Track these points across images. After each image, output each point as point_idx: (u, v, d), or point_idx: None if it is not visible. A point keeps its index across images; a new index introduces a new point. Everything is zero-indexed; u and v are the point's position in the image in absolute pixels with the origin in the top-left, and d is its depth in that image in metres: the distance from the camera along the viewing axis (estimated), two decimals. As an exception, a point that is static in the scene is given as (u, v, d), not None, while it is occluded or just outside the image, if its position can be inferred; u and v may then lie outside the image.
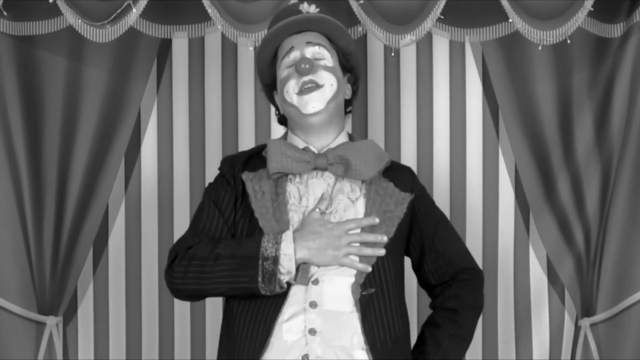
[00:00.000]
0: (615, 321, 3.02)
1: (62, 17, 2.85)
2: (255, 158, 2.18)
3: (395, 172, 2.19)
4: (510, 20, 2.81)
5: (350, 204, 2.09)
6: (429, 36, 3.14)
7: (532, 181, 3.08)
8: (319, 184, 2.10)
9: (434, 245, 2.20)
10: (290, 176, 2.11)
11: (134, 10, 2.80)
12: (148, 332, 3.26)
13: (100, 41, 2.82)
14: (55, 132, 3.08)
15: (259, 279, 1.99)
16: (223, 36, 3.05)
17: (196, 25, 2.94)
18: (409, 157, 3.20)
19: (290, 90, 2.10)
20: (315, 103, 2.08)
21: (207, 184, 2.24)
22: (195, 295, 2.12)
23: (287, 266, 2.00)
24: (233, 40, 2.84)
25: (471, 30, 2.93)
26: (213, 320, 3.17)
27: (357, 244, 2.04)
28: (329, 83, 2.10)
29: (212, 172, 2.30)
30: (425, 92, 3.22)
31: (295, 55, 2.14)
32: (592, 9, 2.79)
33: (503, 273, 3.21)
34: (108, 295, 3.26)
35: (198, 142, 3.24)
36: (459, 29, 2.93)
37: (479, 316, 2.24)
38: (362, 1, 2.80)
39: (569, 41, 2.82)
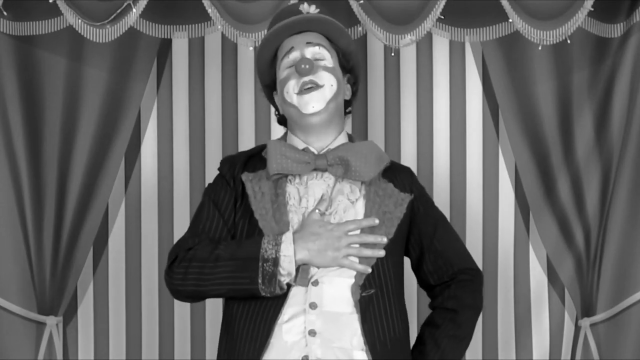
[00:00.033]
0: (615, 321, 3.02)
1: (62, 17, 2.85)
2: (255, 158, 2.18)
3: (395, 173, 2.20)
4: (510, 20, 2.81)
5: (350, 205, 2.09)
6: (429, 36, 3.13)
7: (532, 181, 3.08)
8: (318, 185, 2.10)
9: (433, 246, 2.21)
10: (290, 177, 2.11)
11: (134, 10, 2.80)
12: (148, 332, 3.26)
13: (100, 41, 2.82)
14: (55, 132, 3.08)
15: (259, 281, 1.99)
16: (223, 36, 3.05)
17: (196, 25, 2.94)
18: (409, 157, 3.20)
19: (291, 90, 2.10)
20: (315, 103, 2.08)
21: (207, 184, 2.24)
22: (195, 297, 2.13)
23: (287, 267, 2.00)
24: (233, 40, 2.84)
25: (471, 30, 2.93)
26: (213, 320, 3.17)
27: (357, 245, 2.04)
28: (329, 83, 2.10)
29: (212, 172, 2.30)
30: (425, 92, 3.22)
31: (295, 55, 2.14)
32: (592, 9, 2.79)
33: (503, 273, 3.21)
34: (108, 295, 3.26)
35: (198, 142, 3.24)
36: (459, 29, 2.93)
37: (478, 316, 2.24)
38: (362, 1, 2.80)
39: (569, 41, 2.82)
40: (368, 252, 2.04)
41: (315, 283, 2.03)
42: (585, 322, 3.05)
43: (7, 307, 3.06)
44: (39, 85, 3.08)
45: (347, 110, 2.25)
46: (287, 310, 2.03)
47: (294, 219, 2.07)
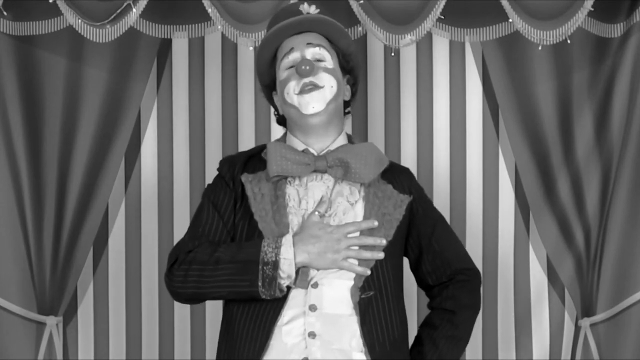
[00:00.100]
0: (615, 321, 3.02)
1: (62, 17, 2.85)
2: (255, 159, 2.19)
3: (394, 174, 2.20)
4: (510, 20, 2.81)
5: (350, 206, 2.09)
6: (429, 36, 3.13)
7: (532, 181, 3.07)
8: (318, 187, 2.11)
9: (431, 246, 2.21)
10: (289, 178, 2.12)
11: (134, 10, 2.79)
12: (148, 332, 3.26)
13: (100, 41, 2.82)
14: (55, 132, 3.08)
15: (259, 284, 2.00)
16: (223, 36, 3.05)
17: (196, 25, 2.94)
18: (409, 157, 3.20)
19: (291, 91, 2.10)
20: (315, 103, 2.08)
21: (206, 184, 2.24)
22: (195, 299, 2.13)
23: (287, 270, 2.00)
24: (233, 40, 2.83)
25: (471, 30, 2.93)
26: (213, 320, 3.17)
27: (356, 248, 2.05)
28: (329, 85, 2.10)
29: (212, 172, 2.30)
30: (425, 92, 3.22)
31: (295, 56, 2.14)
32: (592, 9, 2.78)
33: (503, 273, 3.21)
34: (108, 295, 3.26)
35: (198, 142, 3.24)
36: (459, 29, 2.93)
37: (476, 317, 2.25)
38: (362, 1, 2.80)
39: (569, 41, 2.82)
40: (367, 255, 2.05)
41: (315, 285, 2.04)
42: (585, 322, 3.05)
43: (7, 307, 3.06)
44: (39, 85, 3.08)
45: (346, 111, 2.25)
46: (287, 313, 2.03)
47: (294, 220, 2.07)
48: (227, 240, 2.12)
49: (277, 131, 2.97)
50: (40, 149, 3.08)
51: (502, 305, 3.21)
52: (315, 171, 2.11)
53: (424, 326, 2.23)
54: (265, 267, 2.00)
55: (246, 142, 3.19)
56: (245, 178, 2.13)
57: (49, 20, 2.90)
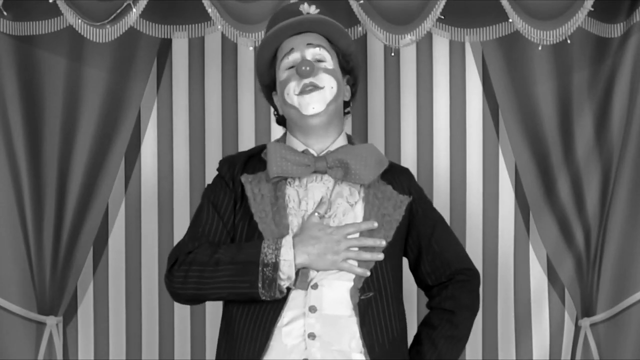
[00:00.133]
0: (615, 321, 3.02)
1: (62, 17, 2.85)
2: (255, 159, 2.18)
3: (394, 174, 2.20)
4: (510, 20, 2.81)
5: (349, 207, 2.09)
6: (429, 36, 3.13)
7: (532, 181, 3.07)
8: (318, 188, 2.11)
9: (431, 247, 2.21)
10: (289, 179, 2.12)
11: (134, 10, 2.79)
12: (148, 332, 3.26)
13: (100, 41, 2.82)
14: (55, 132, 3.08)
15: (259, 285, 2.00)
16: (223, 36, 3.05)
17: (196, 25, 2.94)
18: (409, 157, 3.20)
19: (291, 92, 2.10)
20: (315, 104, 2.08)
21: (206, 184, 2.24)
22: (195, 300, 2.13)
23: (287, 272, 2.00)
24: (233, 40, 2.83)
25: (471, 30, 2.93)
26: (213, 320, 3.17)
27: (356, 249, 2.05)
28: (329, 86, 2.10)
29: (212, 172, 2.30)
30: (425, 92, 3.22)
31: (295, 56, 2.14)
32: (592, 9, 2.78)
33: (503, 273, 3.21)
34: (108, 295, 3.26)
35: (198, 142, 3.24)
36: (459, 29, 2.93)
37: (475, 317, 2.25)
38: (362, 1, 2.80)
39: (569, 41, 2.82)
40: (367, 256, 2.05)
41: (315, 286, 2.04)
42: (585, 322, 3.05)
43: (7, 307, 3.06)
44: (39, 85, 3.07)
45: (346, 111, 2.25)
46: (287, 314, 2.03)
47: (294, 221, 2.07)
48: (227, 240, 2.12)
49: (277, 131, 2.97)
50: (40, 149, 3.08)
51: (502, 305, 3.21)
52: (315, 172, 2.11)
53: (423, 326, 2.23)
54: (265, 269, 2.00)
55: (246, 142, 3.19)
56: (245, 179, 2.13)
57: (49, 20, 2.90)
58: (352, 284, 2.05)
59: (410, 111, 3.22)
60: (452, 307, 2.20)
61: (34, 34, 2.93)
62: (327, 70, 2.11)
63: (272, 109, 2.32)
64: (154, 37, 2.95)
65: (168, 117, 3.25)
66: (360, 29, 2.91)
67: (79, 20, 2.81)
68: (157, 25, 2.91)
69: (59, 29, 2.90)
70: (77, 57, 3.05)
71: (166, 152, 3.25)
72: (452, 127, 3.22)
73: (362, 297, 2.05)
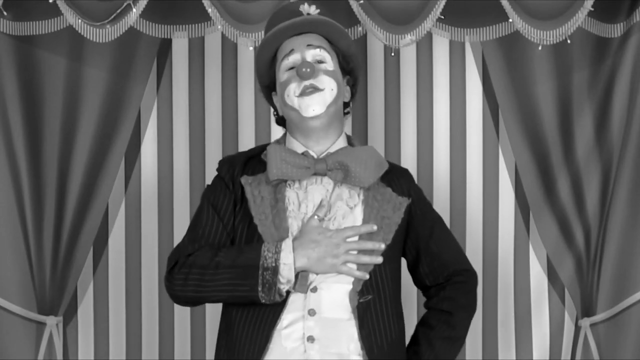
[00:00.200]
0: (615, 321, 3.02)
1: (62, 17, 2.85)
2: (254, 160, 2.18)
3: (393, 176, 2.20)
4: (510, 20, 2.81)
5: (349, 210, 2.10)
6: (429, 36, 3.13)
7: (532, 181, 3.07)
8: (317, 190, 2.10)
9: (429, 248, 2.22)
10: (289, 182, 2.11)
11: (134, 10, 2.79)
12: (148, 332, 3.26)
13: (100, 41, 2.82)
14: (55, 132, 3.08)
15: (259, 289, 2.00)
16: (223, 36, 3.05)
17: (196, 25, 2.94)
18: (408, 157, 3.20)
19: (291, 93, 2.10)
20: (315, 106, 2.08)
21: (206, 185, 2.24)
22: (195, 302, 2.14)
23: (286, 276, 2.01)
24: (233, 40, 2.83)
25: (471, 30, 2.93)
26: (213, 320, 3.16)
27: (355, 252, 2.05)
28: (330, 87, 2.10)
29: (212, 172, 2.30)
30: (425, 92, 3.22)
31: (295, 58, 2.13)
32: (592, 9, 2.78)
33: (503, 273, 3.21)
34: (108, 295, 3.26)
35: (198, 142, 3.24)
36: (459, 29, 2.93)
37: (472, 317, 2.27)
38: (362, 1, 2.79)
39: (569, 41, 2.82)
40: (366, 259, 2.05)
41: (314, 289, 2.04)
42: (585, 322, 3.05)
43: (7, 307, 3.06)
44: (39, 85, 3.07)
45: (345, 111, 2.25)
46: (286, 317, 2.04)
47: (294, 224, 2.07)
48: (227, 242, 2.12)
49: (277, 131, 2.97)
50: (40, 149, 3.08)
51: (502, 305, 3.21)
52: (315, 174, 2.11)
53: (420, 326, 2.24)
54: (265, 273, 2.00)
55: (246, 142, 3.19)
56: (245, 180, 2.13)
57: (49, 20, 2.90)
58: (351, 286, 2.06)
59: (410, 111, 3.22)
60: (449, 308, 2.21)
61: (34, 34, 2.93)
62: (327, 72, 2.11)
63: (272, 109, 2.32)
64: (154, 37, 2.95)
65: (168, 117, 3.25)
66: (360, 29, 2.91)
67: (79, 20, 2.81)
68: (157, 25, 2.91)
69: (59, 29, 2.90)
70: (77, 57, 3.05)
71: (166, 152, 3.25)
72: (452, 127, 3.22)
73: (361, 300, 2.05)
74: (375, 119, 3.22)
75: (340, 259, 2.03)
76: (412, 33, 2.82)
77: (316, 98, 2.08)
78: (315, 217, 2.05)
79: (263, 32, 2.35)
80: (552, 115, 3.04)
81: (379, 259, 2.06)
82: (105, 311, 3.26)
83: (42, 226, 3.09)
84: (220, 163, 2.22)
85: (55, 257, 3.09)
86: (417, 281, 2.29)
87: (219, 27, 2.82)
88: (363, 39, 3.15)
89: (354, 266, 2.05)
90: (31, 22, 2.91)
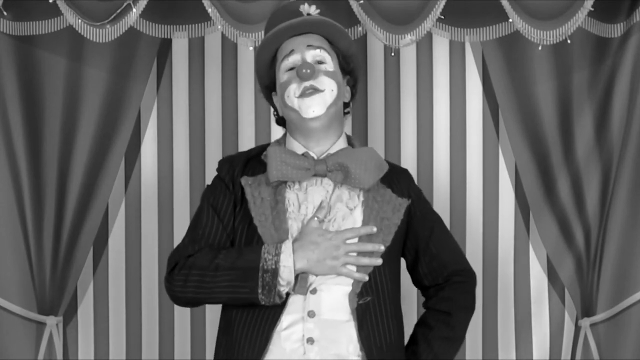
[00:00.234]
0: (615, 321, 3.02)
1: (62, 17, 2.85)
2: (254, 161, 2.18)
3: (393, 176, 2.20)
4: (510, 20, 2.81)
5: (349, 212, 2.10)
6: (429, 36, 3.13)
7: (532, 181, 3.07)
8: (317, 191, 2.10)
9: (428, 249, 2.22)
10: (289, 183, 2.11)
11: (134, 10, 2.79)
12: (148, 332, 3.26)
13: (100, 41, 2.82)
14: (55, 132, 3.08)
15: (259, 291, 2.00)
16: (223, 36, 3.05)
17: (196, 25, 2.94)
18: (408, 157, 3.20)
19: (291, 94, 2.10)
20: (316, 107, 2.08)
21: (206, 185, 2.24)
22: (194, 303, 2.15)
23: (286, 278, 2.01)
24: (233, 40, 2.83)
25: (471, 30, 2.93)
26: (213, 320, 3.16)
27: (355, 254, 2.05)
28: (330, 88, 2.10)
29: (212, 172, 2.30)
30: (425, 92, 3.22)
31: (295, 58, 2.13)
32: (592, 9, 2.78)
33: (503, 273, 3.21)
34: (108, 295, 3.26)
35: (198, 142, 3.24)
36: (459, 29, 2.93)
37: (471, 318, 2.27)
38: (362, 1, 2.79)
39: (569, 41, 2.82)
40: (366, 261, 2.05)
41: (314, 291, 2.04)
42: (585, 322, 3.05)
43: (7, 307, 3.06)
44: (39, 85, 3.07)
45: (345, 111, 2.25)
46: (286, 318, 2.04)
47: (294, 226, 2.07)
48: (227, 243, 2.12)
49: (277, 131, 2.97)
50: (40, 149, 3.08)
51: (502, 305, 3.21)
52: (315, 175, 2.11)
53: (419, 326, 2.24)
54: (265, 275, 2.00)
55: (246, 142, 3.19)
56: (245, 181, 2.13)
57: (49, 20, 2.90)
58: (350, 288, 2.06)
59: (410, 111, 3.22)
60: (448, 309, 2.21)
61: (34, 34, 2.93)
62: (327, 73, 2.11)
63: (272, 109, 2.31)
64: (154, 37, 2.95)
65: (168, 117, 3.25)
66: (360, 29, 2.91)
67: (79, 20, 2.81)
68: (157, 25, 2.91)
69: (59, 29, 2.90)
70: (77, 57, 3.05)
71: (166, 152, 3.25)
72: (452, 127, 3.22)
73: (360, 302, 2.05)
74: (375, 119, 3.22)
75: (339, 260, 2.03)
76: (412, 33, 2.82)
77: (316, 99, 2.08)
78: (315, 218, 2.05)
79: (263, 32, 2.35)
80: (552, 115, 3.04)
81: (379, 261, 2.06)
82: (105, 311, 3.26)
83: (42, 226, 3.09)
84: (220, 163, 2.22)
85: (55, 257, 3.09)
86: (416, 281, 2.30)
87: (219, 27, 2.82)
88: (363, 39, 3.15)
89: (354, 268, 2.05)
90: (31, 22, 2.91)
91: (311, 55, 2.13)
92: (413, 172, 2.93)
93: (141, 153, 3.25)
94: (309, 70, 2.06)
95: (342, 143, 2.17)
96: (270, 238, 2.05)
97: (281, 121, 2.26)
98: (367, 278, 2.05)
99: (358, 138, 2.88)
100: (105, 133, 3.09)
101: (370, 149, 2.17)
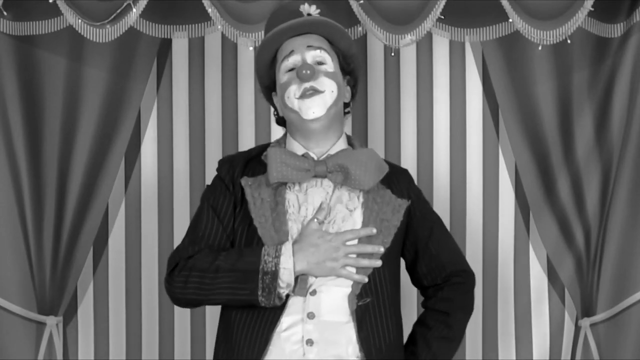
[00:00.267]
0: (615, 321, 3.02)
1: (62, 17, 2.85)
2: (254, 162, 2.18)
3: (392, 177, 2.20)
4: (510, 20, 2.81)
5: (349, 214, 2.10)
6: (429, 36, 3.13)
7: (532, 181, 3.07)
8: (317, 193, 2.10)
9: (427, 249, 2.22)
10: (289, 184, 2.11)
11: (134, 10, 2.79)
12: (148, 332, 3.26)
13: (100, 41, 2.82)
14: (55, 132, 3.08)
15: (259, 293, 2.00)
16: (223, 36, 3.05)
17: (196, 25, 2.94)
18: (408, 157, 3.20)
19: (292, 95, 2.09)
20: (316, 108, 2.08)
21: (206, 185, 2.24)
22: (194, 304, 2.15)
23: (286, 280, 2.01)
24: (233, 40, 2.83)
25: (471, 30, 2.93)
26: (213, 320, 3.16)
27: (355, 255, 2.05)
28: (330, 89, 2.09)
29: (212, 172, 2.30)
30: (425, 92, 3.22)
31: (295, 59, 2.13)
32: (592, 9, 2.78)
33: (503, 273, 3.21)
34: (108, 295, 3.26)
35: (198, 142, 3.24)
36: (459, 29, 2.93)
37: (469, 318, 2.27)
38: (362, 1, 2.79)
39: (569, 41, 2.82)
40: (365, 263, 2.05)
41: (313, 293, 2.04)
42: (585, 322, 3.05)
43: (7, 307, 3.06)
44: (39, 85, 3.07)
45: (345, 111, 2.25)
46: (286, 319, 2.04)
47: (293, 227, 2.07)
48: (227, 244, 2.12)
49: (277, 131, 2.97)
50: (40, 149, 3.08)
51: (502, 305, 3.21)
52: (315, 176, 2.11)
53: (417, 326, 2.25)
54: (265, 277, 2.00)
55: (246, 142, 3.19)
56: (245, 182, 2.13)
57: (49, 20, 2.90)
58: (350, 290, 2.06)
59: (410, 111, 3.22)
60: (446, 309, 2.21)
61: (34, 34, 2.93)
62: (327, 74, 2.10)
63: (272, 109, 2.31)
64: (154, 37, 2.95)
65: (168, 117, 3.25)
66: (360, 29, 2.91)
67: (79, 20, 2.81)
68: (157, 25, 2.91)
69: (59, 29, 2.90)
70: (77, 57, 3.05)
71: (166, 152, 3.25)
72: (452, 127, 3.22)
73: (360, 303, 2.05)
74: (375, 119, 3.22)
75: (339, 262, 2.03)
76: (412, 33, 2.82)
77: (316, 100, 2.08)
78: (315, 220, 2.05)
79: (263, 32, 2.35)
80: (552, 115, 3.04)
81: (378, 263, 2.06)
82: (105, 311, 3.26)
83: (42, 226, 3.09)
84: (220, 163, 2.22)
85: (55, 257, 3.09)
86: (415, 281, 2.30)
87: (219, 27, 2.82)
88: (363, 39, 3.15)
89: (353, 269, 2.05)
90: (31, 22, 2.91)
91: (311, 55, 2.13)
92: (413, 172, 2.93)
93: (141, 153, 3.25)
94: (309, 72, 2.06)
95: (342, 144, 2.17)
96: (270, 239, 2.05)
97: (281, 121, 2.26)
98: (366, 279, 2.05)
99: (358, 138, 2.87)
100: (105, 133, 3.09)
101: (370, 150, 2.17)
